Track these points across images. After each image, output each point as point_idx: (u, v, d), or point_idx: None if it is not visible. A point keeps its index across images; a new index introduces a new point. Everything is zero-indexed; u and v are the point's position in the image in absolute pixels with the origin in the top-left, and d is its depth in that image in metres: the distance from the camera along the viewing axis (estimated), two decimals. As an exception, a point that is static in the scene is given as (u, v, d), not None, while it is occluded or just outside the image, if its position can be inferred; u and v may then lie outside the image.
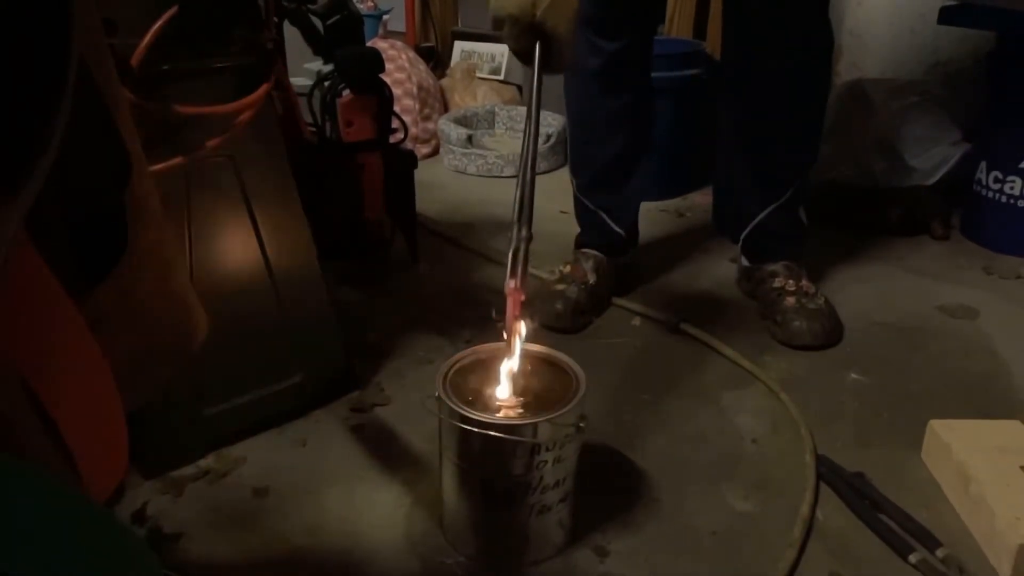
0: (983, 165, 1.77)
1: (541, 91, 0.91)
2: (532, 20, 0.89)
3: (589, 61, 1.40)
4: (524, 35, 0.91)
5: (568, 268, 1.50)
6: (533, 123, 0.90)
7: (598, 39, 1.37)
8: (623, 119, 1.45)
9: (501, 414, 0.88)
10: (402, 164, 1.54)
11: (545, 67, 0.92)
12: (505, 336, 0.91)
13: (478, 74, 2.66)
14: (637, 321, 1.47)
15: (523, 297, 0.89)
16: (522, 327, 0.91)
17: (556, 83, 1.53)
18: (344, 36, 1.34)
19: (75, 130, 0.34)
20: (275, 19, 1.15)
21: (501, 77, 2.69)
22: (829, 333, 1.38)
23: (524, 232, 0.88)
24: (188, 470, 1.07)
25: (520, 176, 0.89)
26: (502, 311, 0.91)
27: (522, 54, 0.93)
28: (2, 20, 0.28)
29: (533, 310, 1.38)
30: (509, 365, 0.91)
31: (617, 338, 1.41)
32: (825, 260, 1.65)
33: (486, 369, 0.94)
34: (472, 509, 0.93)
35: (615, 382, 1.27)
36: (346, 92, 1.46)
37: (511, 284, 0.87)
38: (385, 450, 1.12)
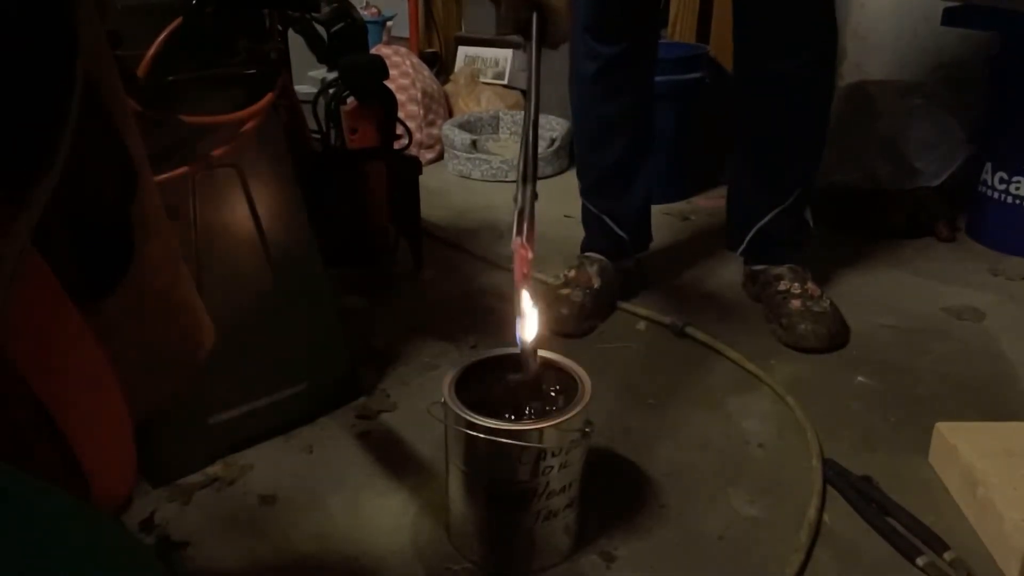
0: (988, 166, 1.77)
1: (540, 63, 0.92)
2: None
3: (587, 65, 1.40)
4: (521, 7, 0.92)
5: (573, 273, 1.50)
6: (533, 91, 0.90)
7: (595, 43, 1.38)
8: (622, 123, 1.45)
9: (506, 419, 0.88)
10: (406, 170, 1.55)
11: (542, 40, 0.93)
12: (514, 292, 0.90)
13: (482, 79, 2.67)
14: (642, 325, 1.47)
15: (530, 255, 0.88)
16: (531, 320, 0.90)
17: (560, 87, 1.53)
18: (348, 44, 1.34)
19: (81, 143, 0.35)
20: (279, 28, 1.15)
21: (505, 82, 2.69)
22: (835, 336, 1.37)
23: (529, 191, 0.88)
24: (195, 478, 1.07)
25: (523, 138, 0.90)
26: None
27: (519, 26, 0.93)
28: (8, 35, 0.28)
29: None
30: (519, 325, 0.91)
31: (622, 342, 1.41)
32: (830, 263, 1.65)
33: (492, 375, 0.95)
34: (478, 515, 0.93)
35: (621, 387, 1.27)
36: (350, 100, 1.46)
37: (517, 240, 0.87)
38: (391, 456, 1.13)
